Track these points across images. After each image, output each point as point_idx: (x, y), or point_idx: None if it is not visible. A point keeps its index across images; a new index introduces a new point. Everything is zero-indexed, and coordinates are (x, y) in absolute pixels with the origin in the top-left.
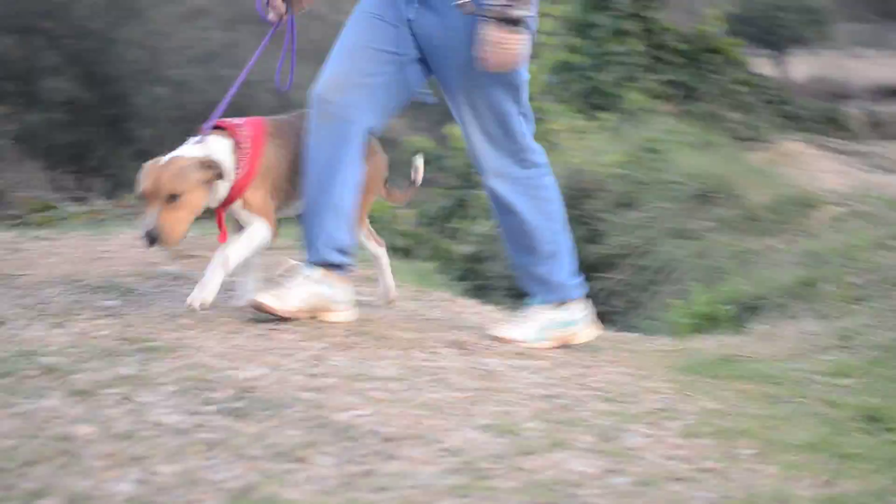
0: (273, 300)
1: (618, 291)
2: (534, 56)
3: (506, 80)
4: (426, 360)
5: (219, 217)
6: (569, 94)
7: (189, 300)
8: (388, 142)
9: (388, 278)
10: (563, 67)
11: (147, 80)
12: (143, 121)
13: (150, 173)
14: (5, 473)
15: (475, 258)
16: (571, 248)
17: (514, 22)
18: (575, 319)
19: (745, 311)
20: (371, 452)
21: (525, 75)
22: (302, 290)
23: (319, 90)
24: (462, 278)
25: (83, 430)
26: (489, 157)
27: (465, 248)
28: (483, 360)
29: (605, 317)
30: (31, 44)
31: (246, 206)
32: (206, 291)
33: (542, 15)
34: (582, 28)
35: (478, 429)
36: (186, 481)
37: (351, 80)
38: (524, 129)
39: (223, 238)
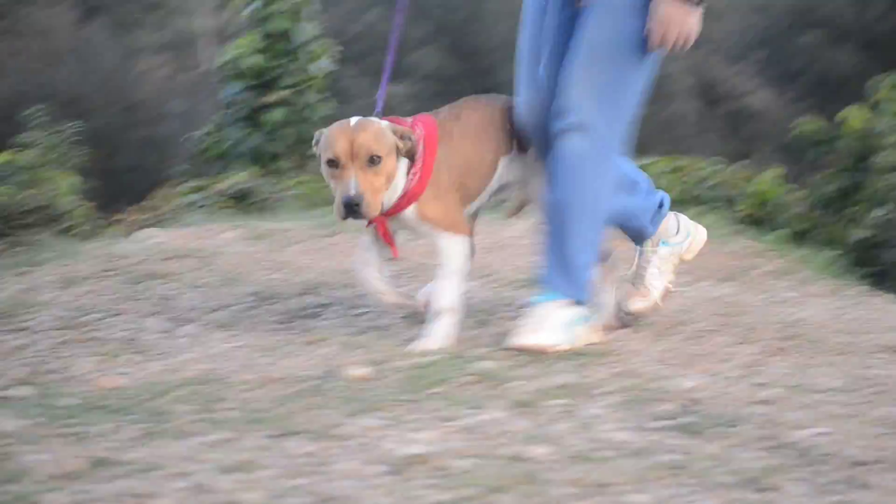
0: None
1: None
2: None
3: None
4: (867, 367)
5: (383, 229)
6: None
7: (413, 347)
8: (778, 123)
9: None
10: None
11: (513, 53)
12: (508, 93)
13: (343, 134)
14: (468, 502)
15: (871, 244)
16: None
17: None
18: None
19: None
20: (842, 479)
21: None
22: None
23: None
24: (858, 265)
25: (538, 450)
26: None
27: (860, 234)
28: None
29: None
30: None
31: (425, 219)
32: (437, 341)
33: None
34: None
35: None
36: None
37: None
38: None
39: (396, 253)
